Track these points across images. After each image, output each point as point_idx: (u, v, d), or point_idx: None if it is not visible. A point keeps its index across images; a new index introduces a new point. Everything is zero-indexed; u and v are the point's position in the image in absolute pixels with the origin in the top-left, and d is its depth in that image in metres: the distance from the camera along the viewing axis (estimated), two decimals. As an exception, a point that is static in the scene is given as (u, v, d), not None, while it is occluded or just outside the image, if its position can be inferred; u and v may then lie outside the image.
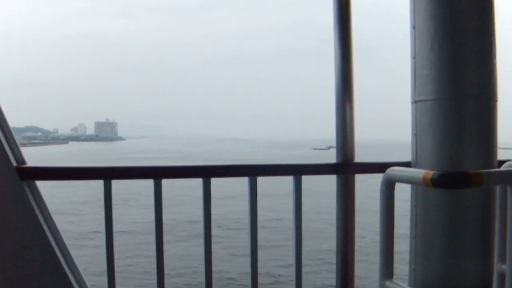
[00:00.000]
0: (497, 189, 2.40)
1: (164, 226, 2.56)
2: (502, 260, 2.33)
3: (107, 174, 2.50)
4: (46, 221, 2.47)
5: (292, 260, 2.70)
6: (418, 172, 2.12)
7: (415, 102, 2.42)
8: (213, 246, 2.59)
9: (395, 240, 2.28)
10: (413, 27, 2.44)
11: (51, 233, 2.47)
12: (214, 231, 2.58)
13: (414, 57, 2.43)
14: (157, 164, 2.66)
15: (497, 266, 2.42)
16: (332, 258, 2.86)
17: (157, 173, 2.56)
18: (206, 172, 2.58)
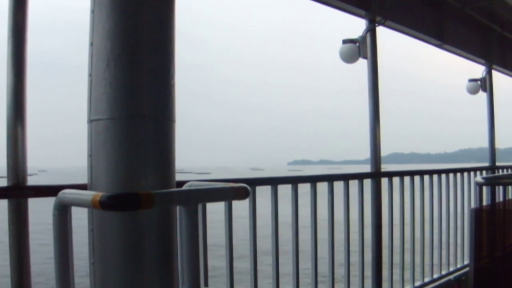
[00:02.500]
0: (178, 209, 2.42)
1: None
2: (183, 280, 2.34)
3: None
4: None
5: None
6: (88, 195, 2.05)
7: (90, 121, 2.32)
8: None
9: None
10: (91, 44, 2.35)
11: None
12: None
13: (90, 75, 2.33)
14: None
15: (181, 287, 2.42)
16: None
17: None
18: None
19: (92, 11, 2.37)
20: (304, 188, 3.99)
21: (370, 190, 4.73)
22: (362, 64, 4.78)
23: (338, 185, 4.23)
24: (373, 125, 4.87)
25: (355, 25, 4.78)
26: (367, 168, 4.88)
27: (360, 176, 4.62)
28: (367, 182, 4.69)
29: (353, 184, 4.43)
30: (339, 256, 4.29)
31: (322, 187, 4.10)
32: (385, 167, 5.21)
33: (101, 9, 2.33)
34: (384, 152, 4.95)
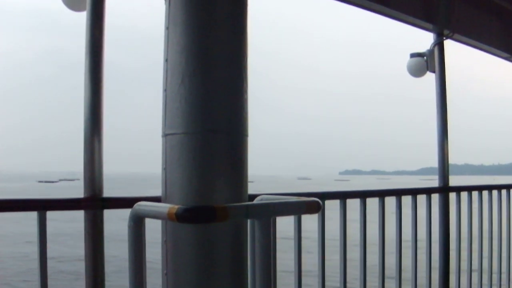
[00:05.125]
0: (249, 223, 2.44)
1: None
2: None
3: None
4: None
5: None
6: (163, 207, 2.09)
7: (165, 135, 2.37)
8: None
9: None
10: (166, 60, 2.40)
11: None
12: None
13: (165, 90, 2.38)
14: None
15: None
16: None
17: None
18: None
19: (167, 28, 2.42)
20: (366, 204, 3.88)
21: (425, 205, 4.46)
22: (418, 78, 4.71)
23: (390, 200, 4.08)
24: (441, 139, 4.80)
25: (422, 35, 4.72)
26: (419, 179, 4.76)
27: (428, 191, 4.52)
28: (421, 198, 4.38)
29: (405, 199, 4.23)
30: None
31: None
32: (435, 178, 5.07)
33: (175, 26, 2.38)
34: (435, 163, 4.85)
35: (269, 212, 2.23)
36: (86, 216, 2.62)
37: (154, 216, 2.18)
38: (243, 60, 2.44)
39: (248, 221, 2.46)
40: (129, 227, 2.22)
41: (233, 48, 2.42)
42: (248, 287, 2.49)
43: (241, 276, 2.43)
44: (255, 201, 2.53)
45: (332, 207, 3.69)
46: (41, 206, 2.54)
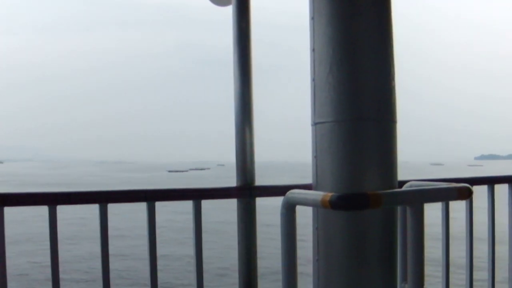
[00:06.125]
0: (398, 209, 2.43)
1: None
2: (405, 279, 2.36)
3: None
4: None
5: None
6: (317, 195, 2.13)
7: (314, 124, 2.41)
8: None
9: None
10: (313, 50, 2.43)
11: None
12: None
13: (313, 79, 2.42)
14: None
15: (400, 286, 2.44)
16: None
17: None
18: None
19: (312, 18, 2.46)
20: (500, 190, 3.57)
21: None
22: None
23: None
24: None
25: None
26: None
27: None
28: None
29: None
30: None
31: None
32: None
33: (320, 16, 2.41)
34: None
35: (421, 198, 2.21)
36: (239, 204, 2.72)
37: (307, 203, 2.22)
38: (389, 47, 2.43)
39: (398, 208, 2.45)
40: (282, 214, 2.28)
41: (379, 35, 2.41)
42: (397, 275, 2.48)
43: (391, 264, 2.43)
44: (404, 188, 2.51)
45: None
46: (198, 195, 2.67)
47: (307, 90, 2.48)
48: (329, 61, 2.35)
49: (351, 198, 2.05)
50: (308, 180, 2.55)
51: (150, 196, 2.60)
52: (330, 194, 2.03)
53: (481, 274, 3.55)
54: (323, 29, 2.39)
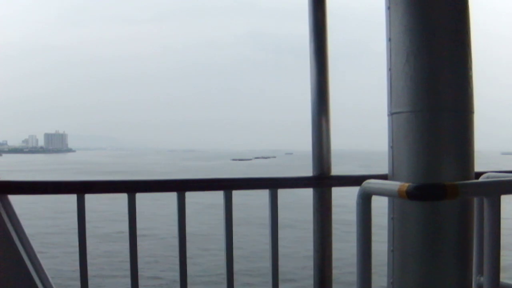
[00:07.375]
0: (475, 201, 2.39)
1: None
2: (481, 272, 2.33)
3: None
4: (18, 235, 2.44)
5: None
6: (393, 185, 2.11)
7: (391, 114, 2.41)
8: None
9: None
10: (389, 39, 2.43)
11: (23, 247, 2.45)
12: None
13: (389, 69, 2.42)
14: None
15: (475, 279, 2.41)
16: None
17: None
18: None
19: (388, 8, 2.45)
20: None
21: None
22: None
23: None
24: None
25: None
26: None
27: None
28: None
29: None
30: None
31: None
32: None
33: (397, 6, 2.41)
34: None
35: (499, 190, 2.18)
36: (315, 193, 2.72)
37: (383, 193, 2.20)
38: (466, 37, 2.40)
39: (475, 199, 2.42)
40: (358, 204, 2.25)
41: (456, 25, 2.39)
42: (473, 268, 2.45)
43: (466, 256, 2.41)
44: (482, 179, 2.48)
45: None
46: (273, 184, 2.69)
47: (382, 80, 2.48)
48: (406, 51, 2.34)
49: (428, 189, 2.02)
50: (365, 167, 2.54)
51: (228, 185, 2.65)
52: (407, 184, 2.00)
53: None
54: (399, 19, 2.39)
